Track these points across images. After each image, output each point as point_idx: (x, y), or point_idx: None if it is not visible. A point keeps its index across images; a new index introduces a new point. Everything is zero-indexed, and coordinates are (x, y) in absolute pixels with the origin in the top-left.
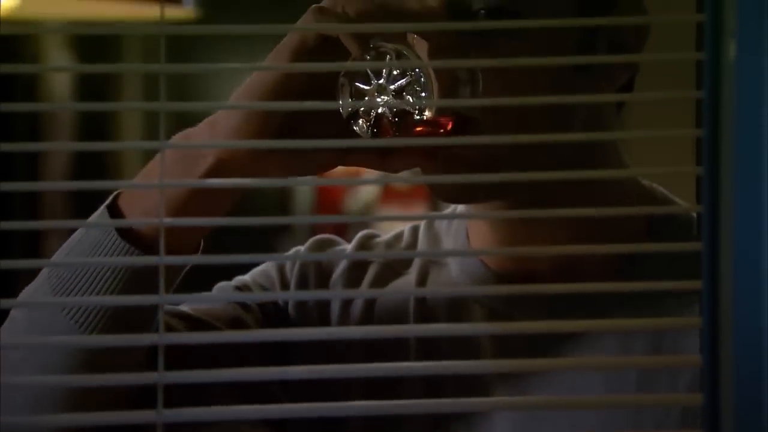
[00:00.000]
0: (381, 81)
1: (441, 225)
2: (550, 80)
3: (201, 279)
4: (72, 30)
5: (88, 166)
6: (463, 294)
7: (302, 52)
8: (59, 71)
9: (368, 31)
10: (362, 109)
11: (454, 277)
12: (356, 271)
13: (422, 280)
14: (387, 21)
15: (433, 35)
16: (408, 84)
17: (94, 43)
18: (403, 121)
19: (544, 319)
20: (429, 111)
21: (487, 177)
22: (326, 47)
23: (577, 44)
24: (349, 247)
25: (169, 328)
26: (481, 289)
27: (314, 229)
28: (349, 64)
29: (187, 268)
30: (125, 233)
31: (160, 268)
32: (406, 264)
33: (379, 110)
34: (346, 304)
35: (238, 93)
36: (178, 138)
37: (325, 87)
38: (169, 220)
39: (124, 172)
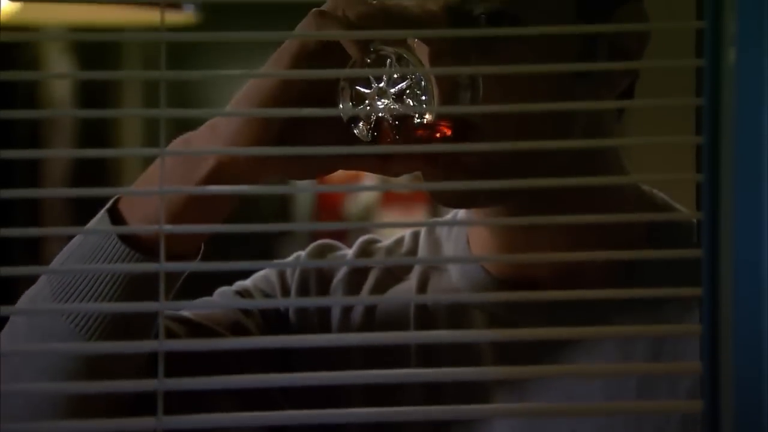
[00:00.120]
0: (381, 84)
1: (442, 230)
2: (550, 85)
3: (202, 283)
4: (72, 37)
5: (89, 168)
6: (463, 301)
7: (302, 56)
8: (59, 78)
9: (368, 37)
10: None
11: (454, 282)
12: (357, 276)
13: (423, 286)
14: (388, 25)
15: (434, 39)
16: (408, 87)
17: (94, 47)
18: (403, 124)
19: (545, 323)
20: (429, 115)
21: (487, 184)
22: (327, 50)
23: (577, 49)
24: (349, 252)
25: (170, 333)
26: (481, 296)
27: (315, 233)
28: (349, 71)
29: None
30: (126, 237)
31: (161, 274)
32: (407, 269)
33: (380, 114)
34: (347, 308)
35: (238, 97)
36: (178, 141)
37: (326, 90)
38: (169, 227)
39: (125, 174)
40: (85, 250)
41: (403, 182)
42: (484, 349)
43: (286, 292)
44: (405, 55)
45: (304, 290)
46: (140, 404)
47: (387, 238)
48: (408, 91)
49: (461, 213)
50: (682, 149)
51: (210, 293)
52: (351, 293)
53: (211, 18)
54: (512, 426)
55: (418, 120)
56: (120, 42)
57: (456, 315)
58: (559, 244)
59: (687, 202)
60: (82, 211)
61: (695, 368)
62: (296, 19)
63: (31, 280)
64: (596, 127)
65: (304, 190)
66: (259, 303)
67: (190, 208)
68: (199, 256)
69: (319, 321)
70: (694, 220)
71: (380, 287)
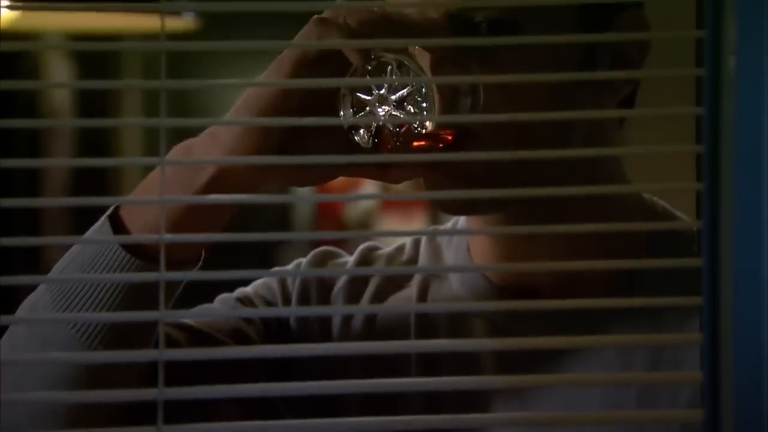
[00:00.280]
0: (382, 91)
1: (442, 237)
2: (551, 91)
3: (202, 290)
4: (72, 46)
5: (89, 173)
6: (463, 309)
7: (303, 63)
8: (59, 87)
9: (369, 46)
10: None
11: (455, 289)
12: (358, 283)
13: (423, 293)
14: (389, 32)
15: (435, 46)
16: (409, 94)
17: (94, 53)
18: (404, 131)
19: (545, 331)
20: (430, 124)
21: (488, 193)
22: (327, 57)
23: (578, 55)
24: (350, 259)
25: (170, 340)
26: (480, 305)
27: (315, 240)
28: (349, 80)
29: (197, 267)
30: (126, 244)
31: (161, 283)
32: (408, 277)
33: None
34: (348, 316)
35: (238, 105)
36: (178, 148)
37: (326, 97)
38: (169, 236)
39: (125, 179)
40: (85, 257)
41: (403, 189)
42: (483, 356)
43: (287, 299)
44: (406, 62)
45: (304, 297)
46: (141, 411)
47: (387, 244)
48: (408, 98)
49: (462, 220)
50: (683, 157)
51: (211, 299)
52: (352, 300)
53: (211, 24)
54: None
55: (419, 128)
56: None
57: (456, 322)
58: (560, 250)
59: (687, 210)
60: (82, 216)
61: (695, 377)
62: (297, 25)
63: (31, 286)
64: (597, 133)
65: (303, 200)
66: (259, 312)
67: (191, 215)
68: (200, 263)
69: (320, 328)
70: (695, 229)
71: (381, 294)
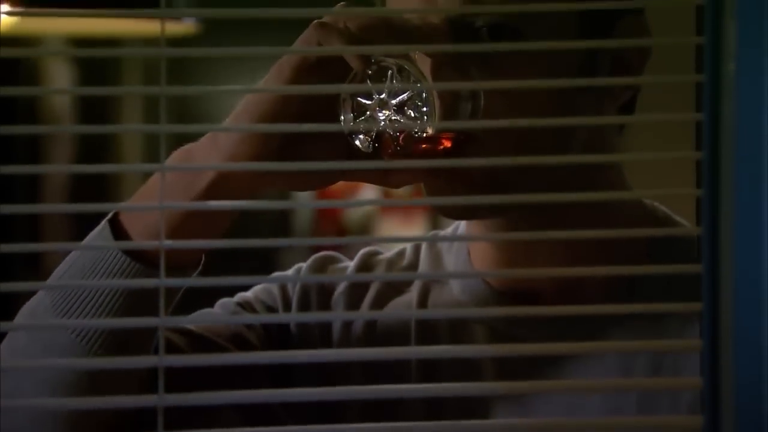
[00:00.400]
0: (383, 96)
1: (443, 242)
2: (551, 95)
3: (203, 295)
4: (72, 53)
5: (89, 177)
6: (464, 316)
7: (303, 67)
8: (59, 94)
9: (370, 53)
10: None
11: (455, 295)
12: (358, 288)
13: (424, 298)
14: (389, 37)
15: (432, 41)
16: (409, 98)
17: (94, 57)
18: (404, 136)
19: (545, 336)
20: (430, 128)
21: (488, 198)
22: (328, 61)
23: (579, 60)
24: (350, 264)
25: (171, 344)
26: (481, 311)
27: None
28: (350, 87)
29: (196, 273)
30: (124, 237)
31: (161, 290)
32: (408, 282)
33: (381, 126)
34: (349, 321)
35: (238, 110)
36: (179, 152)
37: (326, 101)
38: (169, 243)
39: (126, 181)
40: (85, 261)
41: (403, 193)
42: (484, 361)
43: (287, 303)
44: (406, 67)
45: (305, 302)
46: (141, 415)
47: (388, 249)
48: (409, 102)
49: (463, 224)
50: (683, 162)
51: (211, 304)
52: (352, 306)
53: (211, 28)
54: None
55: (419, 133)
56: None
57: (457, 326)
58: (560, 255)
59: (687, 215)
60: (82, 220)
61: (695, 383)
62: (297, 29)
63: (32, 292)
64: (598, 138)
65: (303, 206)
66: (260, 318)
67: (191, 219)
68: (200, 267)
69: (320, 332)
70: (695, 235)
71: (381, 299)
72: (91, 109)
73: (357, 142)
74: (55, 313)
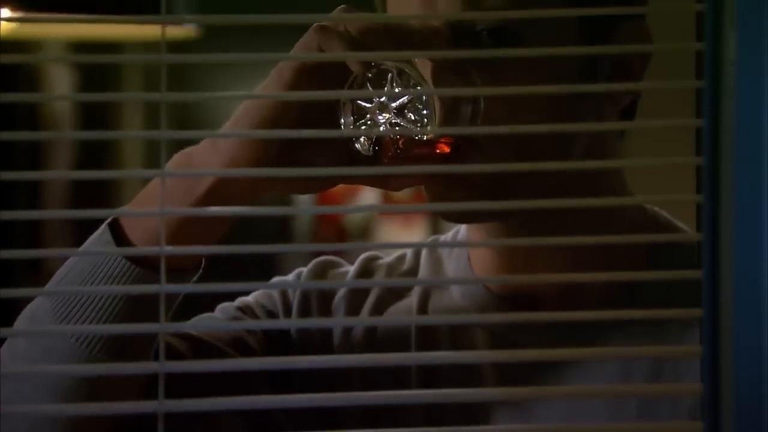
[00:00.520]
0: (383, 99)
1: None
2: (552, 99)
3: (204, 299)
4: (73, 59)
5: (90, 182)
6: (465, 322)
7: (303, 71)
8: (59, 100)
9: (370, 59)
10: (364, 127)
11: (455, 299)
12: (358, 293)
13: (424, 303)
14: (389, 40)
15: (432, 46)
16: (410, 101)
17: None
18: (404, 139)
19: (545, 340)
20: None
21: (488, 204)
22: (327, 64)
23: (579, 64)
24: (351, 269)
25: (171, 348)
26: (481, 317)
27: (316, 243)
28: (350, 93)
29: (194, 279)
30: (125, 242)
31: (161, 296)
32: (408, 287)
33: (381, 128)
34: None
35: (238, 114)
36: (178, 157)
37: (327, 103)
38: (169, 249)
39: (126, 184)
40: (85, 265)
41: (404, 196)
42: (484, 365)
43: (287, 308)
44: (406, 70)
45: (305, 307)
46: (142, 418)
47: (388, 253)
48: (409, 105)
49: (463, 228)
50: (683, 166)
51: (212, 308)
52: (352, 310)
53: (212, 31)
54: None
55: (419, 136)
56: (121, 50)
57: (457, 330)
58: (561, 259)
59: (687, 218)
60: (82, 223)
61: (696, 389)
62: (298, 33)
63: (32, 299)
64: (599, 142)
65: (303, 212)
66: (259, 324)
67: (191, 222)
68: (201, 270)
69: (321, 337)
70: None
71: (382, 304)
72: (92, 112)
73: (357, 145)
74: (55, 317)
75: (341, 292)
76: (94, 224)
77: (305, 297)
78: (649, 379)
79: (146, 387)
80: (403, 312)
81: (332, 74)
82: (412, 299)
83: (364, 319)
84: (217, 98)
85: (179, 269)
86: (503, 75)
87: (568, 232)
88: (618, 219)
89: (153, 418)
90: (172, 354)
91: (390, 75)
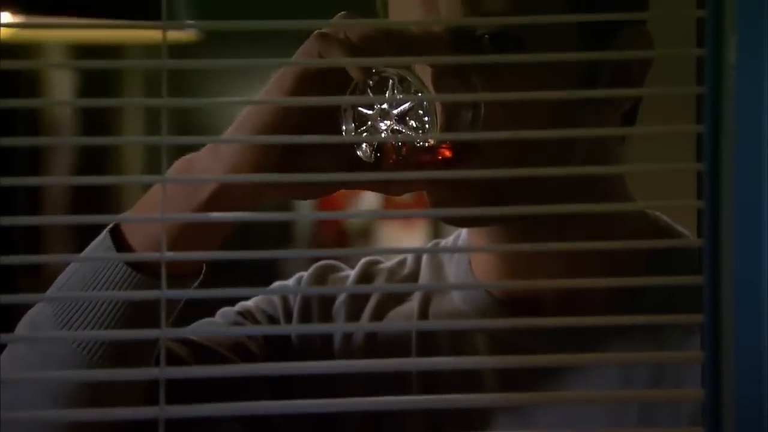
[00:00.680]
0: (384, 106)
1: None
2: (552, 102)
3: (204, 304)
4: (73, 65)
5: (90, 187)
6: (465, 327)
7: (304, 77)
8: (60, 106)
9: (370, 65)
10: (365, 134)
11: (456, 304)
12: (359, 297)
13: (425, 307)
14: (390, 47)
15: (433, 51)
16: (411, 108)
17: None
18: (405, 145)
19: (546, 345)
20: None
21: (489, 210)
22: (328, 71)
23: (580, 68)
24: (351, 273)
25: (172, 354)
26: (481, 323)
27: (317, 246)
28: (351, 98)
29: (195, 284)
30: (125, 247)
31: (162, 301)
32: (408, 291)
33: (382, 135)
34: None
35: (240, 120)
36: (179, 164)
37: (328, 110)
38: (170, 255)
39: (126, 194)
40: (87, 271)
41: (405, 199)
42: (485, 370)
43: (288, 312)
44: (407, 77)
45: (306, 311)
46: (142, 422)
47: (388, 257)
48: (410, 112)
49: (464, 232)
50: (684, 172)
51: (212, 313)
52: (353, 315)
53: (213, 35)
54: None
55: (421, 142)
56: (121, 54)
57: (458, 335)
58: (561, 263)
59: (687, 223)
60: (82, 230)
61: (697, 395)
62: (299, 38)
63: (32, 305)
64: (599, 147)
65: (304, 217)
66: (260, 329)
67: (192, 228)
68: (201, 276)
69: (321, 341)
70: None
71: (382, 309)
72: (93, 115)
73: (359, 153)
74: (56, 323)
75: (342, 297)
76: (95, 229)
77: (306, 302)
78: (650, 382)
79: (148, 391)
80: (404, 316)
81: (333, 81)
82: (413, 303)
83: (365, 324)
84: (218, 104)
85: (180, 275)
86: (504, 79)
87: (569, 236)
88: (619, 223)
89: (154, 423)
90: (173, 359)
91: (391, 82)
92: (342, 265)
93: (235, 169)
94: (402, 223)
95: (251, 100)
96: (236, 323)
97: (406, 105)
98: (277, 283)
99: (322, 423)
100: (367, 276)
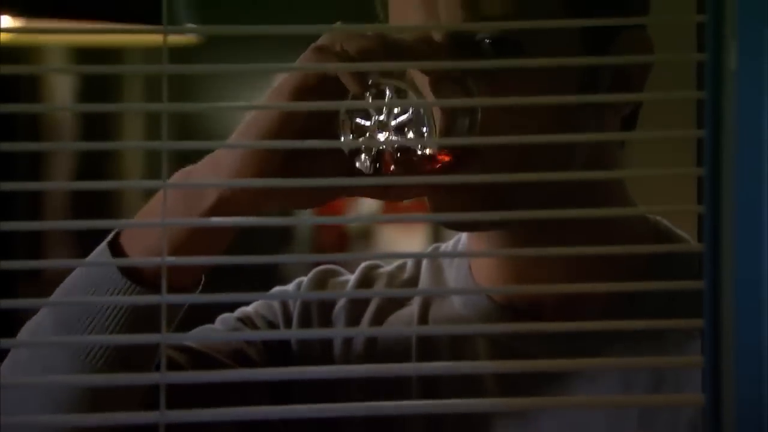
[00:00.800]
0: (381, 117)
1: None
2: (552, 106)
3: (203, 311)
4: (73, 70)
5: (90, 194)
6: (466, 332)
7: (303, 90)
8: (60, 111)
9: (368, 69)
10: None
11: (456, 308)
12: (359, 302)
13: (425, 311)
14: (386, 57)
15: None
16: (409, 120)
17: (95, 64)
18: (404, 155)
19: (546, 349)
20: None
21: (489, 215)
22: (327, 84)
23: (580, 71)
24: (351, 278)
25: (172, 361)
26: (481, 328)
27: (317, 251)
28: (350, 103)
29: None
30: (127, 271)
31: (162, 306)
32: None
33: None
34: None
35: (241, 130)
36: (179, 176)
37: (327, 122)
38: (171, 259)
39: (126, 200)
40: (87, 284)
41: (405, 204)
42: (486, 374)
43: (288, 318)
44: (404, 88)
45: (306, 317)
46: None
47: (388, 261)
48: (409, 122)
49: (464, 236)
50: (684, 177)
51: (212, 320)
52: (353, 319)
53: (214, 38)
54: None
55: (420, 152)
56: (122, 58)
57: (458, 339)
58: (562, 266)
59: (688, 227)
60: (83, 239)
61: (697, 400)
62: (299, 42)
63: (32, 310)
64: (600, 150)
65: (304, 221)
66: (260, 335)
67: (192, 242)
68: (200, 287)
69: (321, 346)
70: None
71: (382, 313)
72: (93, 117)
73: (357, 164)
74: (58, 333)
75: (342, 302)
76: (94, 239)
77: (305, 307)
78: (651, 387)
79: (148, 396)
80: (404, 320)
81: (331, 94)
82: (413, 308)
83: (365, 329)
84: (217, 109)
85: (179, 288)
86: (504, 83)
87: (570, 240)
88: (619, 227)
89: (154, 429)
90: (173, 367)
91: (388, 93)
92: (342, 270)
93: (239, 173)
94: (402, 226)
95: (251, 105)
96: (236, 330)
97: (404, 117)
98: (276, 289)
99: (323, 428)
100: (366, 280)
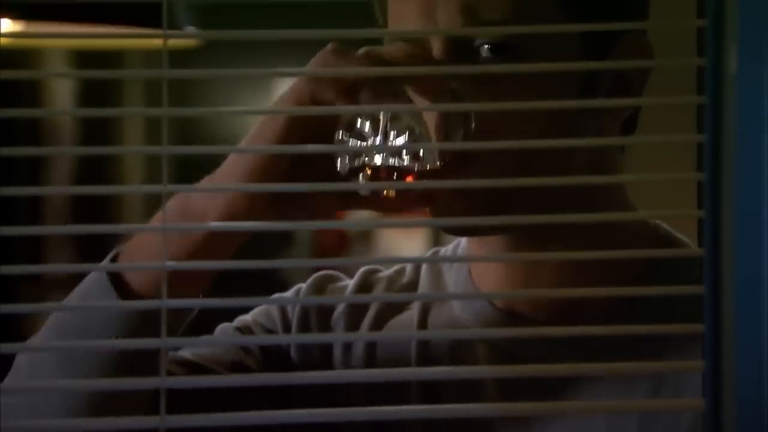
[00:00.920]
0: (377, 141)
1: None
2: (553, 111)
3: (203, 320)
4: (74, 74)
5: (90, 197)
6: (465, 337)
7: (293, 125)
8: (60, 115)
9: (369, 73)
10: (360, 164)
11: (456, 313)
12: (358, 308)
13: (424, 316)
14: (382, 84)
15: (426, 78)
16: (405, 140)
17: (95, 66)
18: (401, 174)
19: (546, 354)
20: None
21: (488, 220)
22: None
23: (580, 75)
24: (350, 283)
25: (170, 375)
26: (483, 332)
27: (317, 254)
28: (349, 107)
29: (192, 315)
30: (125, 294)
31: (162, 311)
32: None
33: (378, 164)
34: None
35: (231, 160)
36: (177, 199)
37: (329, 137)
38: (172, 264)
39: (126, 206)
40: (86, 321)
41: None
42: (486, 379)
43: (287, 326)
44: (400, 113)
45: (305, 324)
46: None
47: (388, 266)
48: (405, 142)
49: (464, 240)
50: (685, 181)
51: (210, 331)
52: (352, 325)
53: (214, 42)
54: None
55: (416, 170)
56: (122, 62)
57: (458, 344)
58: (562, 273)
59: (688, 231)
60: (83, 244)
61: (697, 405)
62: (299, 45)
63: (32, 314)
64: (600, 154)
65: (305, 227)
66: (260, 339)
67: (193, 257)
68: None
69: (321, 354)
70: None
71: (382, 318)
72: (93, 121)
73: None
74: (59, 367)
75: (341, 307)
76: (94, 244)
77: (305, 314)
78: (651, 390)
79: (151, 404)
80: (404, 325)
81: (326, 118)
82: (413, 312)
83: (364, 334)
84: (217, 113)
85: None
86: (503, 88)
87: (569, 244)
88: (619, 231)
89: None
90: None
91: (383, 119)
92: (341, 275)
93: (232, 207)
94: (402, 231)
95: (250, 109)
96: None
97: (400, 139)
98: (276, 296)
99: (320, 427)
100: (366, 285)
